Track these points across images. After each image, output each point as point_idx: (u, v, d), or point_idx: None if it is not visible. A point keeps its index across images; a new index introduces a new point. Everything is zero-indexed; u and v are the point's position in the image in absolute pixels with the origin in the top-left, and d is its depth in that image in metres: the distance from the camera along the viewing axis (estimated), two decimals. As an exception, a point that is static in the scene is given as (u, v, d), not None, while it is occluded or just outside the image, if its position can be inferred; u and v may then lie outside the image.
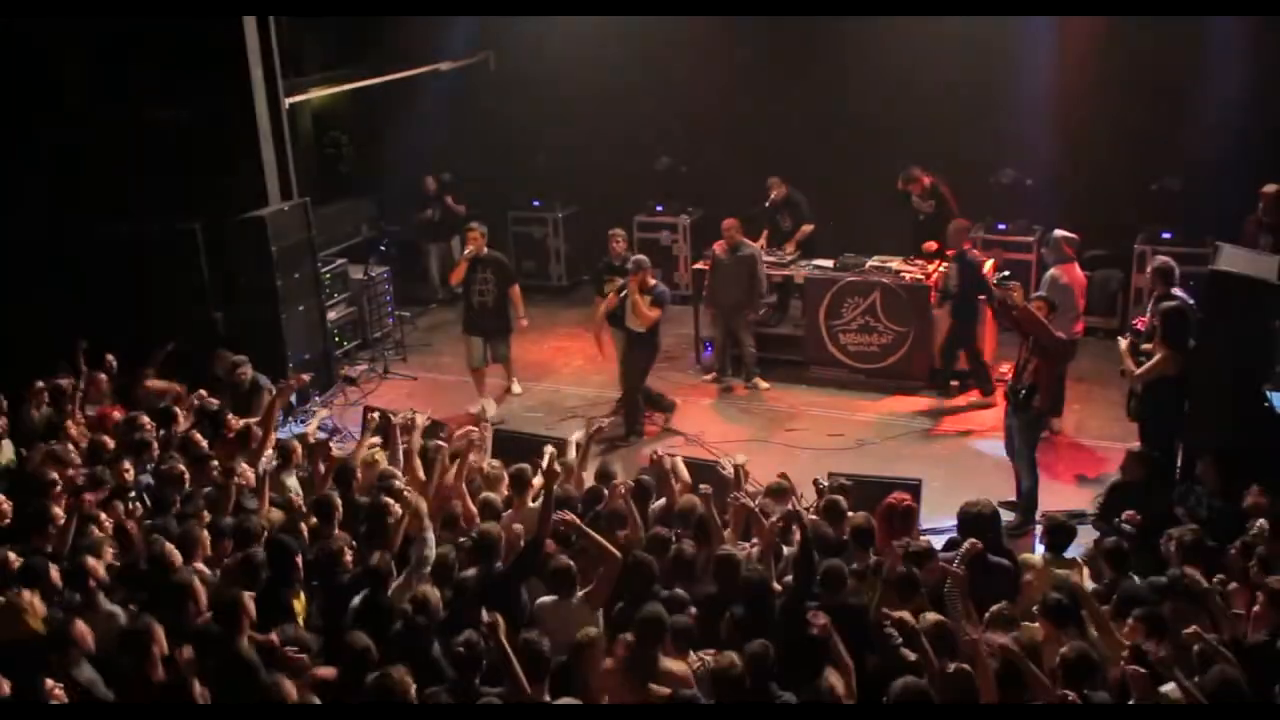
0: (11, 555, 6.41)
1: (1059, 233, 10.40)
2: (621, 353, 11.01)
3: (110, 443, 8.12)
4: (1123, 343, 8.97)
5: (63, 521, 6.86)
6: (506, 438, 9.38)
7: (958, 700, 5.31)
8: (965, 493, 8.00)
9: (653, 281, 10.78)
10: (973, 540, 6.44)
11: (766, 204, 12.61)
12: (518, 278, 11.70)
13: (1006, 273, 9.77)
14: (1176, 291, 9.08)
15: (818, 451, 10.26)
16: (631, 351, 10.85)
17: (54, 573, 6.24)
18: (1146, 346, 8.65)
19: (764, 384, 11.81)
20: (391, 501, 6.97)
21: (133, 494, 7.62)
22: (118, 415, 8.94)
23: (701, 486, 7.54)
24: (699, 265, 12.51)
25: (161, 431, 8.49)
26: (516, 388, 11.86)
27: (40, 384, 8.93)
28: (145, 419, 8.50)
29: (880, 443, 10.60)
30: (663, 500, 7.69)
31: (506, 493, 7.74)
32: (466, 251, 11.32)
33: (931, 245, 11.80)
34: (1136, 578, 6.40)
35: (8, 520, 7.09)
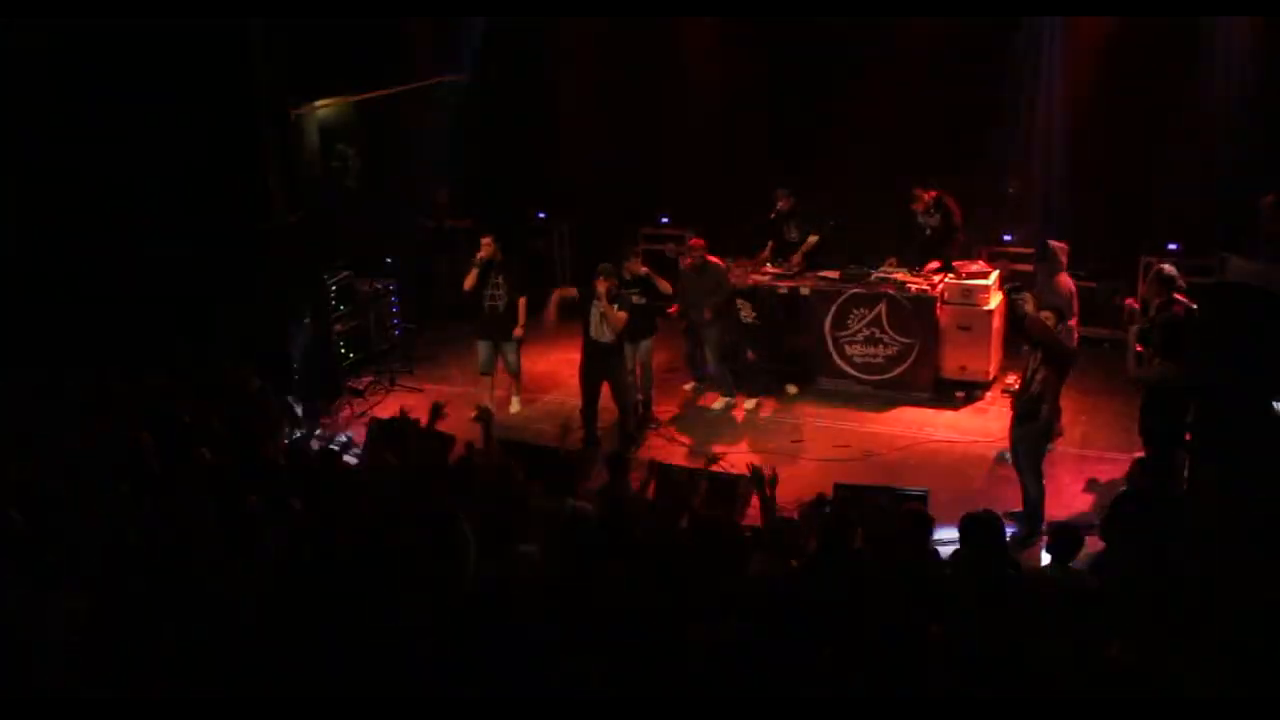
0: None
1: (1054, 243, 10.40)
2: (591, 368, 10.82)
3: None
4: (1131, 336, 8.92)
5: None
6: (510, 446, 9.36)
7: None
8: (971, 504, 7.99)
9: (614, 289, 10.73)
10: None
11: (772, 215, 12.62)
12: (527, 289, 11.72)
13: (1017, 283, 9.78)
14: (1179, 298, 9.10)
15: (823, 463, 10.25)
16: (609, 363, 10.74)
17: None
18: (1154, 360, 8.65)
19: (749, 402, 11.74)
20: None
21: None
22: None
23: None
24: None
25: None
26: (515, 406, 11.84)
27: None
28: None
29: (886, 454, 10.60)
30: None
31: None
32: (477, 257, 11.51)
33: (934, 264, 11.83)
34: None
35: None
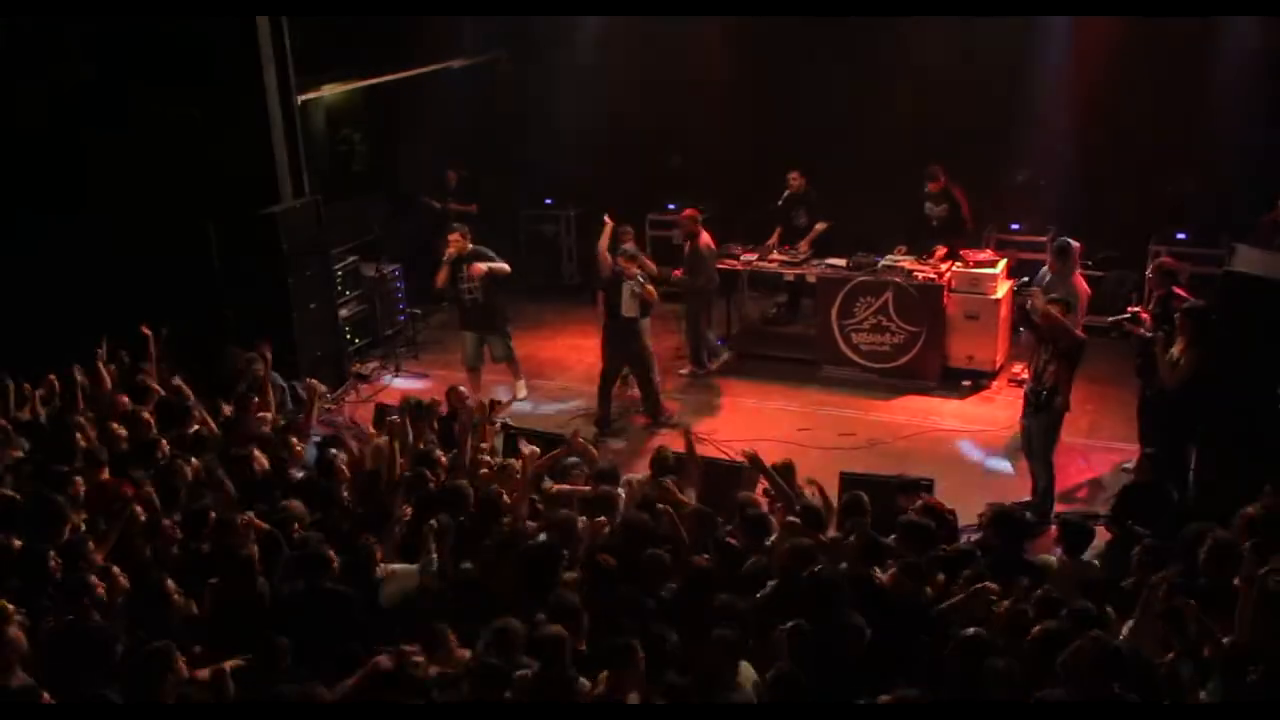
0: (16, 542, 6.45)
1: (1073, 241, 10.37)
2: (619, 345, 11.03)
3: (122, 432, 8.18)
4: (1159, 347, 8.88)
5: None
6: (515, 435, 9.36)
7: None
8: (977, 492, 8.01)
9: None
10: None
11: (781, 200, 12.56)
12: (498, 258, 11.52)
13: (1025, 279, 9.74)
14: (1178, 291, 9.09)
15: (829, 451, 10.23)
16: (636, 340, 10.95)
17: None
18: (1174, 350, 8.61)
19: (683, 370, 11.86)
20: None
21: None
22: (125, 402, 8.98)
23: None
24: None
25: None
26: (521, 391, 11.72)
27: (51, 377, 8.99)
28: (146, 415, 8.54)
29: (892, 442, 10.58)
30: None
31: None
32: (446, 255, 11.32)
33: (941, 250, 11.80)
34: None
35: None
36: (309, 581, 6.24)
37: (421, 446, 8.12)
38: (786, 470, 7.64)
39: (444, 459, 7.88)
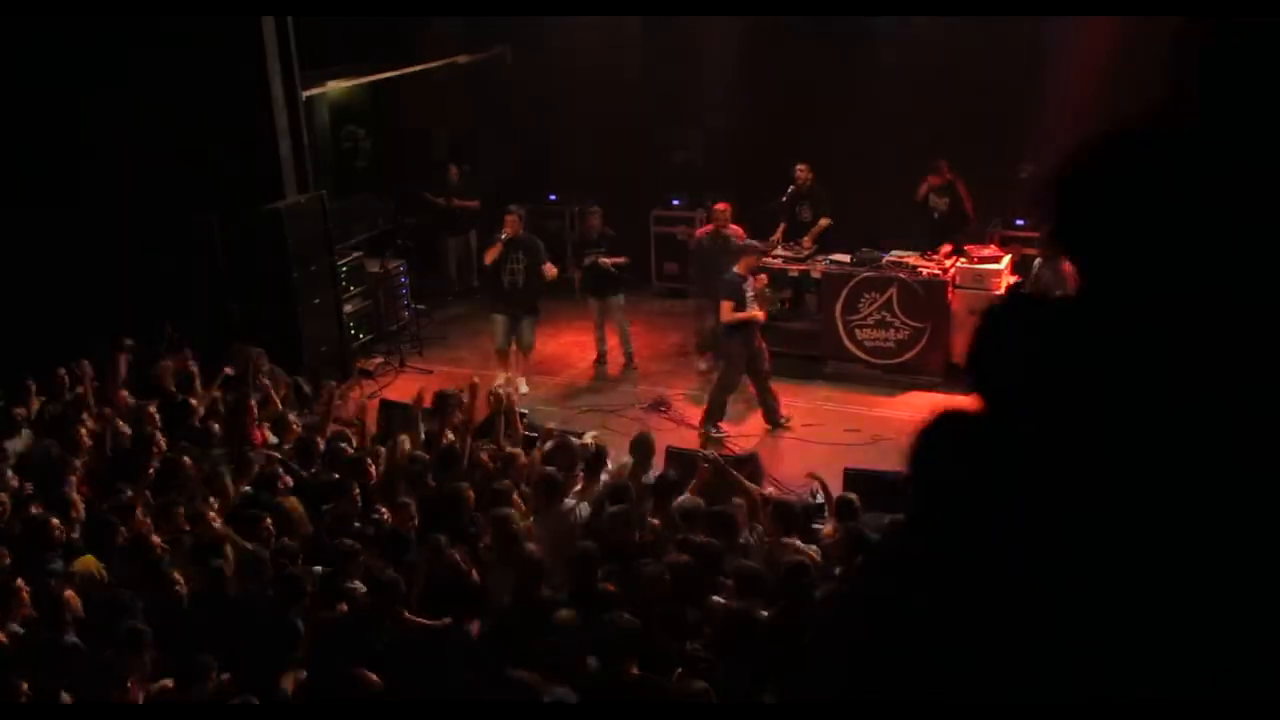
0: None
1: None
2: (730, 348, 10.77)
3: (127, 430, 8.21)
4: None
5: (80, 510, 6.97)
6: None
7: None
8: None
9: None
10: None
11: (787, 195, 12.53)
12: (548, 258, 11.78)
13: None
14: None
15: (833, 447, 10.21)
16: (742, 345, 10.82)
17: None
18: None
19: (703, 366, 11.83)
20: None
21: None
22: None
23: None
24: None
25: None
26: (524, 387, 11.70)
27: (62, 371, 9.02)
28: (153, 410, 8.56)
29: (897, 438, 10.53)
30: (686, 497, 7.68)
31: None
32: (503, 234, 11.49)
33: (946, 247, 11.77)
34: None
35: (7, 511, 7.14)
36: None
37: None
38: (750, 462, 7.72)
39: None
